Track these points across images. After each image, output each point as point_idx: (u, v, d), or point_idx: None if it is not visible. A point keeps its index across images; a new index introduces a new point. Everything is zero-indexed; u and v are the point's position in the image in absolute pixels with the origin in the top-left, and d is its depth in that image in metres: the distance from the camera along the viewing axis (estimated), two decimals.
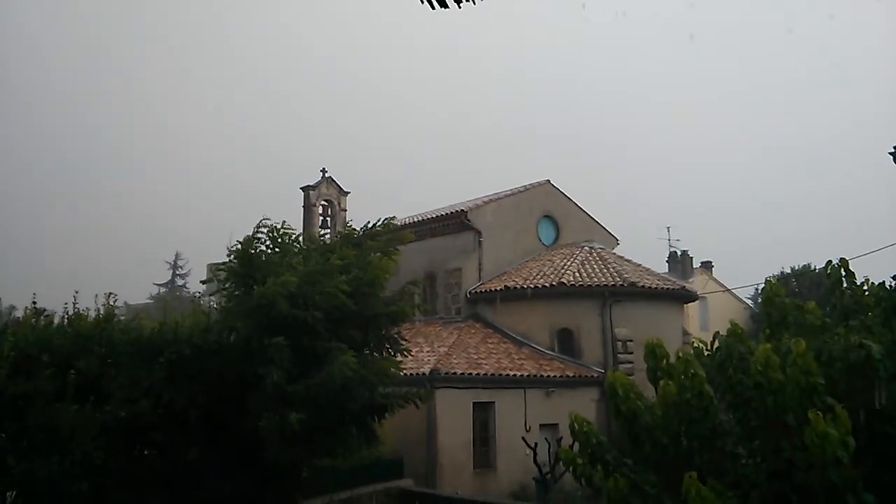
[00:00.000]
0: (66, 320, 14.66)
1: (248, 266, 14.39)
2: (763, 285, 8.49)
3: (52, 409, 12.55)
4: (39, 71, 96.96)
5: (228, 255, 14.78)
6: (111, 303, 15.06)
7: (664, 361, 7.23)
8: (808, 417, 5.70)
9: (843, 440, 5.55)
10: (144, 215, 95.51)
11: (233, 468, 14.05)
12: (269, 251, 14.92)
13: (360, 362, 13.31)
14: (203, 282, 17.99)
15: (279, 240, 14.98)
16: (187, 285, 66.58)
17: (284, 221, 15.23)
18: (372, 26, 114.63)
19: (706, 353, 7.48)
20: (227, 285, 14.85)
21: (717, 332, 7.36)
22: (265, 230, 14.84)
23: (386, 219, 15.92)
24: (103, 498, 13.09)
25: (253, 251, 14.70)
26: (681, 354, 6.75)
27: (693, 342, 6.91)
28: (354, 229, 16.41)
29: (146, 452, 13.99)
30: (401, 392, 14.81)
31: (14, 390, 12.49)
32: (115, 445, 13.17)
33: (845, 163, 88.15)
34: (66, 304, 15.00)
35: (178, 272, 68.30)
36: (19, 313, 15.33)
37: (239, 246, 14.58)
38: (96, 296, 15.19)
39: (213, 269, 15.38)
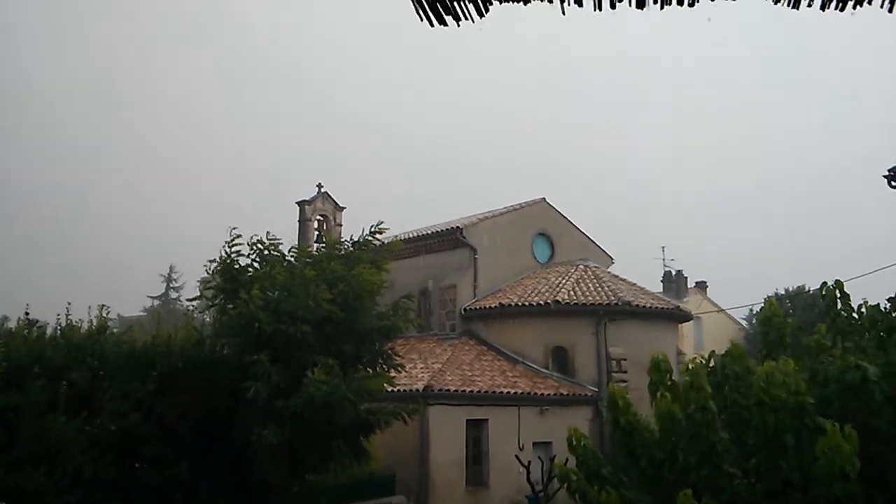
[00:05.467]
0: (58, 332, 14.62)
1: (233, 281, 14.39)
2: (759, 306, 8.53)
3: (43, 420, 12.48)
4: (31, 80, 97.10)
5: (212, 273, 14.82)
6: (104, 315, 15.03)
7: (667, 376, 7.24)
8: (803, 437, 5.71)
9: (851, 457, 5.56)
10: (139, 227, 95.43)
11: (223, 483, 13.98)
12: (255, 265, 14.91)
13: (340, 379, 13.21)
14: (189, 300, 17.94)
15: (265, 252, 14.96)
16: (181, 298, 66.41)
17: (268, 232, 15.19)
18: (367, 41, 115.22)
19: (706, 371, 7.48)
20: (216, 301, 14.86)
21: (713, 351, 7.36)
22: (250, 244, 14.84)
23: (374, 226, 15.82)
24: None
25: (237, 266, 14.70)
26: (688, 367, 6.74)
27: (694, 358, 6.90)
28: (341, 242, 16.37)
29: (137, 466, 13.90)
30: (388, 408, 14.73)
31: (5, 402, 12.44)
32: (106, 458, 13.09)
33: (842, 184, 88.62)
34: (58, 315, 14.97)
35: (171, 285, 68.06)
36: (12, 324, 15.22)
37: (219, 263, 14.61)
38: (89, 307, 15.17)
39: (202, 285, 15.40)
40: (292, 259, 15.38)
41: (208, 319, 16.72)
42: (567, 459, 7.41)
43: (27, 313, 14.70)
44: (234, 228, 14.82)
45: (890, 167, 11.62)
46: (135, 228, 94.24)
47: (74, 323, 14.75)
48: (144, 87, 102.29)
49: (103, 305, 15.13)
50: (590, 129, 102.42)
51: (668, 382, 7.14)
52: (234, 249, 14.79)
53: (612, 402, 7.17)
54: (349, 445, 14.78)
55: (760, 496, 6.24)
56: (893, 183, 11.51)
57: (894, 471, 6.32)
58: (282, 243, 15.35)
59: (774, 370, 6.25)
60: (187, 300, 25.38)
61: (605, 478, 7.13)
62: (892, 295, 7.95)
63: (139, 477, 13.73)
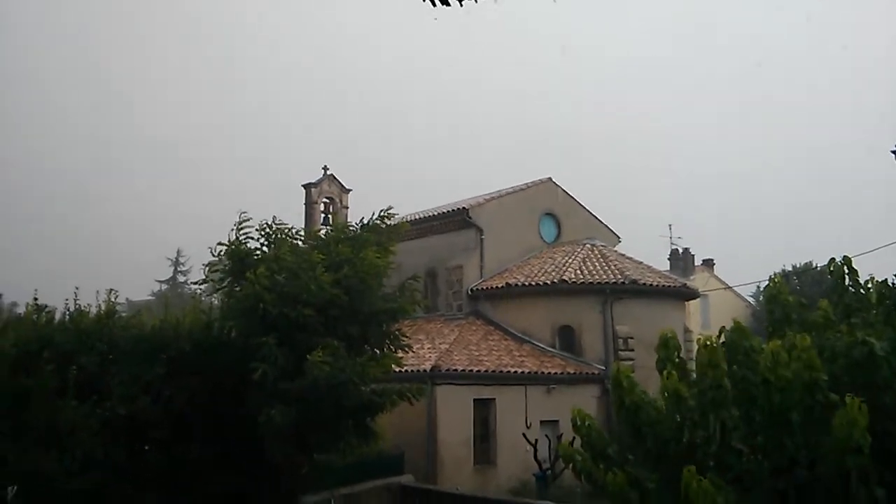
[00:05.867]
0: (67, 317, 14.67)
1: (240, 264, 14.43)
2: (765, 283, 8.50)
3: (53, 405, 12.57)
4: (36, 69, 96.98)
5: (218, 255, 14.87)
6: (112, 299, 15.06)
7: (675, 354, 7.23)
8: (812, 414, 5.70)
9: (865, 430, 5.56)
10: (147, 212, 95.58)
11: (233, 464, 14.07)
12: (261, 248, 14.94)
13: (344, 361, 13.25)
14: (196, 283, 18.00)
15: (272, 236, 14.98)
16: (188, 282, 66.60)
17: (274, 217, 15.19)
18: (373, 23, 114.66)
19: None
20: (223, 284, 14.91)
21: (723, 328, 7.33)
22: (259, 228, 14.86)
23: (384, 210, 15.84)
24: (103, 494, 13.10)
25: (245, 248, 14.76)
26: (707, 343, 6.69)
27: (708, 337, 6.86)
28: (348, 225, 16.41)
29: (146, 448, 14.00)
30: (394, 389, 14.79)
31: (15, 387, 12.50)
32: (116, 442, 13.20)
33: (848, 160, 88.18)
34: (66, 300, 15.01)
35: (179, 269, 68.24)
36: (21, 310, 15.30)
37: (225, 246, 14.66)
38: (97, 292, 15.21)
39: (209, 268, 15.44)
40: (299, 242, 15.39)
41: (216, 302, 16.76)
42: (574, 438, 7.42)
43: (36, 299, 14.75)
44: (244, 212, 14.86)
45: None
46: (142, 213, 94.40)
47: (83, 308, 14.79)
48: (154, 71, 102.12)
49: (111, 290, 15.20)
50: (597, 107, 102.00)
51: (676, 360, 7.13)
52: (242, 232, 14.81)
53: (616, 381, 7.16)
54: (356, 426, 14.87)
55: (767, 473, 6.23)
56: None
57: None
58: (291, 227, 15.36)
59: (780, 350, 6.22)
60: (194, 283, 25.49)
61: (610, 457, 7.13)
62: None
63: (148, 460, 13.85)
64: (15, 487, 12.76)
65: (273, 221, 15.06)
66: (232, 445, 14.15)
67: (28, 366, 12.88)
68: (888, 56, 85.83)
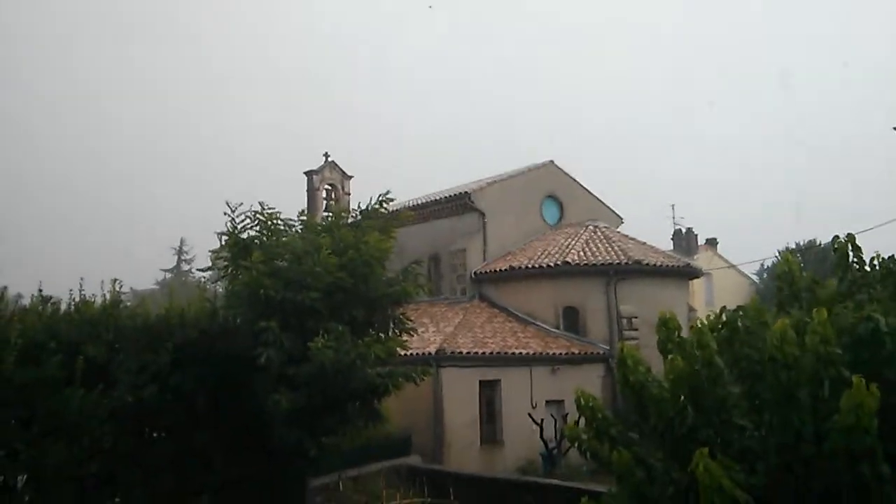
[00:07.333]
0: (72, 307, 14.69)
1: (241, 252, 14.47)
2: (770, 261, 8.49)
3: (61, 395, 12.61)
4: (41, 57, 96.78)
5: (221, 244, 14.93)
6: (117, 289, 15.09)
7: (676, 334, 7.23)
8: (825, 389, 5.71)
9: (873, 412, 5.56)
10: (149, 202, 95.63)
11: (241, 449, 14.16)
12: (260, 235, 14.96)
13: (349, 345, 13.29)
14: (201, 269, 18.04)
15: (269, 223, 14.99)
16: (193, 270, 66.73)
17: (262, 203, 15.06)
18: (371, 6, 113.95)
19: (718, 327, 7.47)
20: (226, 272, 14.97)
21: (724, 307, 7.34)
22: (250, 216, 14.87)
23: (382, 195, 15.83)
24: (112, 481, 13.20)
25: (244, 237, 14.80)
26: (695, 325, 6.74)
27: (707, 315, 6.89)
28: (348, 210, 16.44)
29: (154, 436, 14.09)
30: (399, 371, 14.87)
31: (22, 377, 12.54)
32: (124, 430, 13.26)
33: (851, 136, 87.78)
34: (71, 290, 15.04)
35: (183, 258, 68.40)
36: (26, 301, 15.32)
37: (226, 235, 14.72)
38: (102, 282, 15.23)
39: (213, 256, 15.49)
40: (295, 228, 15.40)
41: (221, 290, 16.81)
42: (579, 417, 7.46)
43: (40, 290, 14.79)
44: (240, 204, 14.85)
45: None
46: (145, 202, 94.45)
47: (88, 298, 14.82)
48: (157, 57, 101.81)
49: (115, 279, 15.21)
50: (596, 79, 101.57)
51: (678, 340, 7.13)
52: (238, 221, 14.85)
53: (621, 360, 7.18)
54: (363, 409, 14.98)
55: (773, 449, 6.26)
56: None
57: None
58: (279, 213, 15.28)
59: (787, 327, 6.23)
60: (199, 270, 25.53)
61: (614, 437, 7.16)
62: None
63: (157, 447, 13.92)
64: (25, 476, 12.86)
65: (264, 209, 15.02)
66: (240, 431, 14.23)
67: (35, 356, 12.92)
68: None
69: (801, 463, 6.09)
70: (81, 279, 15.18)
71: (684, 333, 7.35)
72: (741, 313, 7.01)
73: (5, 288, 14.27)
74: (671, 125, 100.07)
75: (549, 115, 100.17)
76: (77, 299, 14.81)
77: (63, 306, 14.86)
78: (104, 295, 14.89)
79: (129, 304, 15.60)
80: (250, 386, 13.88)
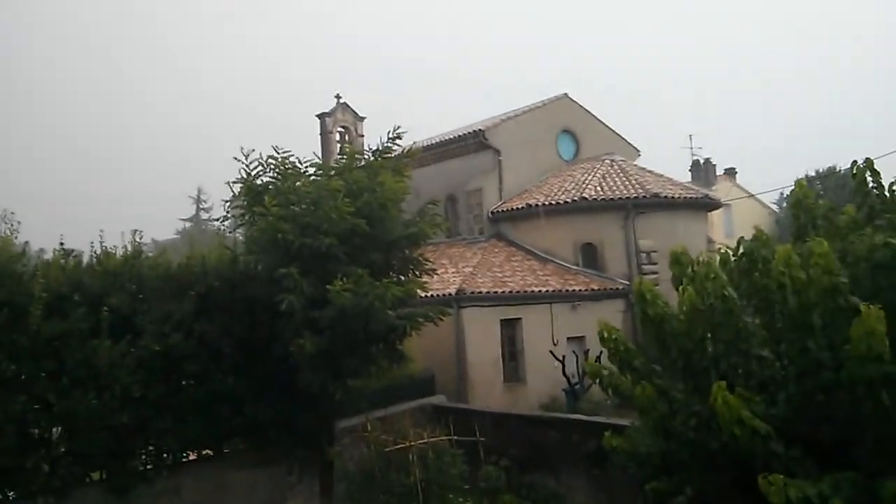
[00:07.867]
0: (94, 259, 14.80)
1: (256, 198, 14.46)
2: (789, 189, 8.38)
3: (88, 346, 12.83)
4: (56, 10, 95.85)
5: (236, 193, 14.91)
6: (138, 240, 15.17)
7: (689, 268, 7.22)
8: (834, 317, 5.68)
9: (883, 338, 5.53)
10: (165, 151, 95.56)
11: (268, 393, 14.40)
12: (274, 181, 14.92)
13: (369, 288, 13.35)
14: (218, 219, 18.03)
15: (281, 167, 14.94)
16: (211, 218, 67.02)
17: (275, 146, 14.99)
18: None
19: (732, 258, 7.43)
20: (244, 220, 14.99)
21: (742, 238, 7.30)
22: (263, 162, 14.81)
23: (393, 131, 15.58)
24: (144, 427, 13.51)
25: (259, 183, 14.77)
26: (702, 259, 6.72)
27: (720, 248, 6.85)
28: (361, 152, 16.28)
29: (183, 383, 14.32)
30: (418, 312, 14.94)
31: (50, 330, 12.74)
32: (153, 377, 13.51)
33: (872, 62, 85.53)
34: (92, 243, 15.13)
35: (201, 206, 68.71)
36: (48, 255, 15.44)
37: (240, 183, 14.70)
38: (122, 233, 15.31)
39: (229, 205, 15.48)
40: (312, 172, 15.33)
41: (240, 238, 16.86)
42: (601, 353, 7.49)
43: (62, 244, 14.89)
44: (253, 150, 14.80)
45: None
46: (162, 152, 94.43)
47: (109, 250, 14.92)
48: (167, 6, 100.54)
49: (136, 230, 15.29)
50: (613, 18, 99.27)
51: (691, 274, 7.12)
52: (252, 168, 14.82)
53: (639, 295, 7.19)
54: (386, 349, 15.14)
55: (792, 378, 6.27)
56: None
57: None
58: (293, 155, 15.21)
59: (791, 252, 6.18)
60: (216, 219, 25.60)
61: (637, 369, 7.21)
62: None
63: (185, 393, 14.19)
64: (59, 428, 13.18)
65: (277, 152, 14.95)
66: (266, 375, 14.46)
67: (61, 309, 13.10)
68: None
69: (821, 391, 6.11)
70: (101, 231, 15.27)
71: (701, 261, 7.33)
72: (757, 243, 6.98)
73: (27, 243, 14.39)
74: (691, 53, 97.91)
75: (567, 51, 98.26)
76: (98, 251, 14.91)
77: (85, 259, 14.96)
78: (125, 246, 14.99)
79: (150, 254, 15.69)
80: (274, 330, 14.05)
